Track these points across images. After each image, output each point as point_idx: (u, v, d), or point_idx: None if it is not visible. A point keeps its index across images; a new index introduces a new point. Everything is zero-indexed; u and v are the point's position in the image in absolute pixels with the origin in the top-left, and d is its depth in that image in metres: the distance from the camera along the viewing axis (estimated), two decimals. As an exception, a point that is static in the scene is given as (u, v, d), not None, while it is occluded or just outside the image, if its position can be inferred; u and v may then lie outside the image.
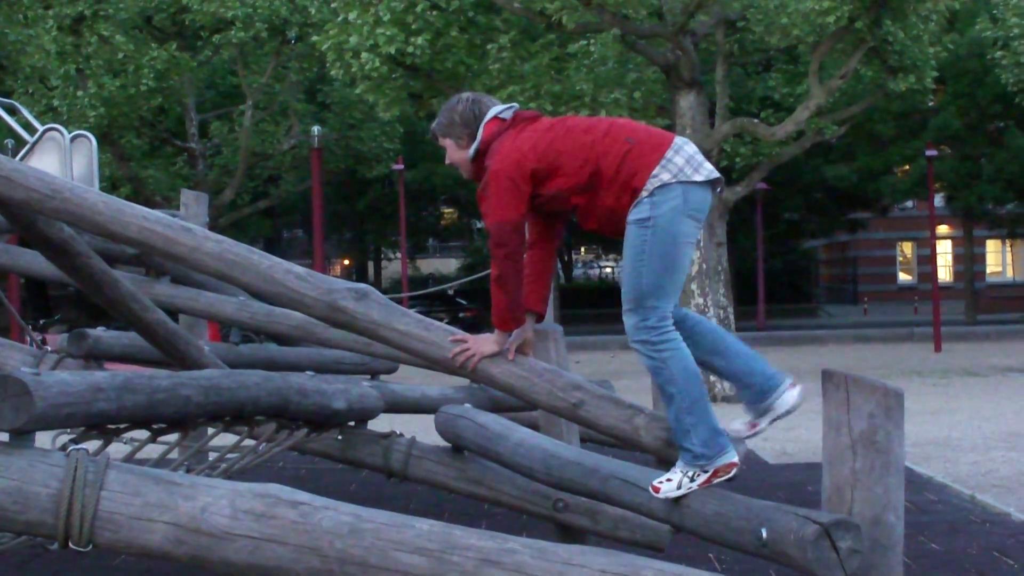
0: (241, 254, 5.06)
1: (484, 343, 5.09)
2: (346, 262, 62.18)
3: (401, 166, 36.47)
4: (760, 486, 10.32)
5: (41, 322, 33.16)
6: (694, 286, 20.91)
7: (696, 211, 5.04)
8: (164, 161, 35.94)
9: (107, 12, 29.58)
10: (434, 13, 21.68)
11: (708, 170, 5.08)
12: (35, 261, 8.59)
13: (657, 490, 4.91)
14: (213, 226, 30.07)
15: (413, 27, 21.46)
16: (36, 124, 10.97)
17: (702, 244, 20.60)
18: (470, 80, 22.52)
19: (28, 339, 19.96)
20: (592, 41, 23.15)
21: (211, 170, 35.37)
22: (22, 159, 10.21)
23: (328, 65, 24.24)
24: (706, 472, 4.84)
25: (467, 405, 6.74)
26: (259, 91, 33.55)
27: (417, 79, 22.95)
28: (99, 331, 7.85)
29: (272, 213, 49.59)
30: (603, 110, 21.47)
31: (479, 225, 58.36)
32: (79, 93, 29.60)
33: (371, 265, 60.35)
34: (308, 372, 6.81)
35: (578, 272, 74.12)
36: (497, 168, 5.05)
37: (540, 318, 5.39)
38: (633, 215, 4.99)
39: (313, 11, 28.68)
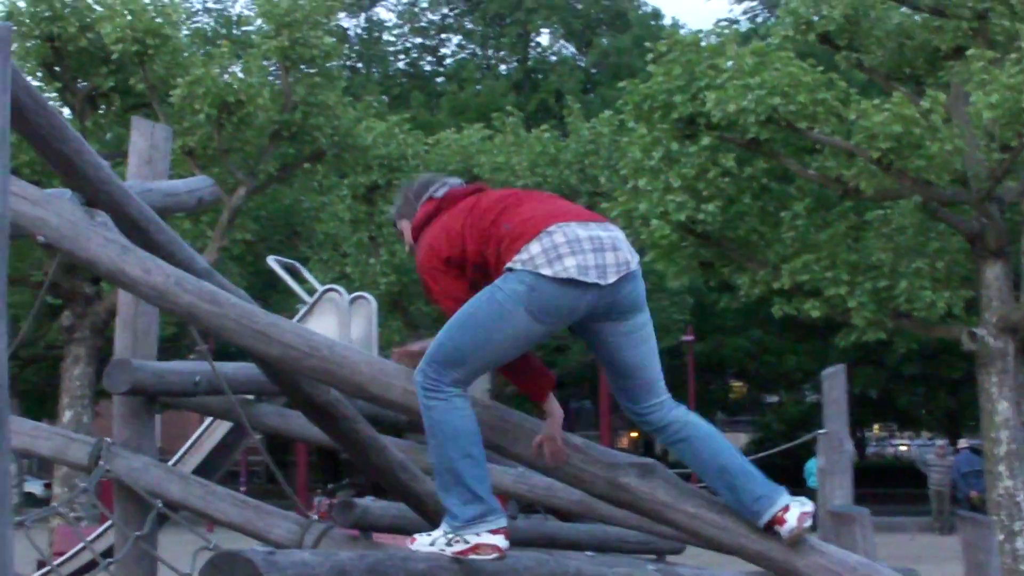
0: (512, 421, 4.58)
1: (553, 426, 4.84)
2: (633, 434, 61.66)
3: (691, 337, 35.87)
4: None
5: (329, 486, 33.49)
6: (1002, 468, 19.17)
7: (540, 310, 4.55)
8: (452, 329, 36.31)
9: (400, 181, 30.21)
10: (726, 179, 21.21)
11: (568, 266, 4.54)
12: (307, 425, 8.33)
13: (413, 541, 4.68)
14: (500, 393, 30.04)
15: (704, 194, 21.02)
16: (316, 285, 10.92)
17: (1011, 423, 19.21)
18: (763, 248, 21.92)
19: (314, 506, 19.94)
20: (891, 209, 22.34)
21: (504, 339, 35.52)
22: (300, 319, 10.10)
23: (618, 233, 23.99)
24: (467, 543, 4.62)
25: (760, 595, 6.08)
26: (549, 260, 33.68)
27: (707, 247, 22.39)
28: (367, 500, 7.52)
29: (559, 383, 49.64)
30: (903, 280, 20.58)
31: (769, 400, 57.24)
32: (371, 260, 30.11)
33: (658, 438, 59.76)
34: (588, 552, 6.29)
35: (872, 450, 72.04)
36: (421, 263, 4.90)
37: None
38: None
39: (603, 180, 28.61)
